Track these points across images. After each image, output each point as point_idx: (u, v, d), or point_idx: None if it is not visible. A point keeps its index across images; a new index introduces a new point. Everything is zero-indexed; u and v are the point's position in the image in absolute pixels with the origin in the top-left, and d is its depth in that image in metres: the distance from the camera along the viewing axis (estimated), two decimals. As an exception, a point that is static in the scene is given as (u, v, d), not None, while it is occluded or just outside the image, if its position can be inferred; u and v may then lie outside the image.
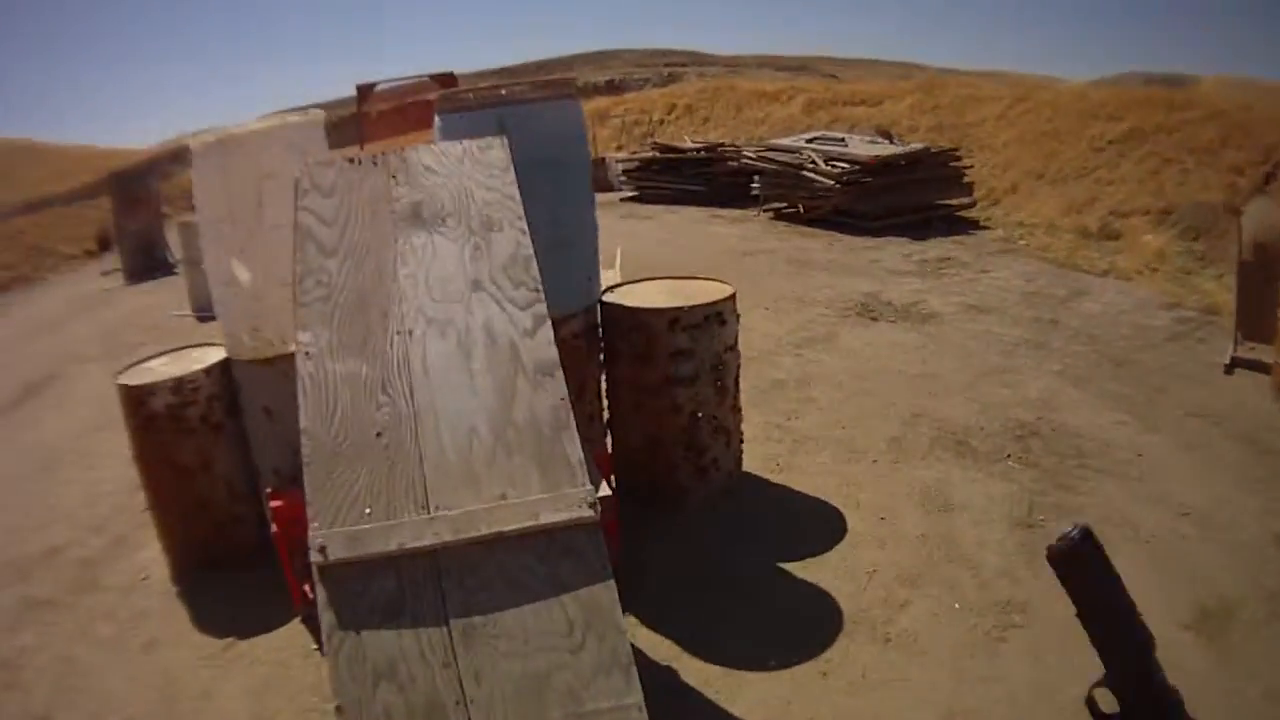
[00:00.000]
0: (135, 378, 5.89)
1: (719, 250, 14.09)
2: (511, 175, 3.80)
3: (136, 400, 5.73)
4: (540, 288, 3.44)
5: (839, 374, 8.38)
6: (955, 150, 15.88)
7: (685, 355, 5.82)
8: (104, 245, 21.56)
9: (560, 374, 3.21)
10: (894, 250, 13.45)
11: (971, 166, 15.85)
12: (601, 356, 6.19)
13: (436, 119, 5.55)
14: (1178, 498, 5.90)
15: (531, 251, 3.53)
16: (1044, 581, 4.70)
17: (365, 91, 12.21)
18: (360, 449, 3.01)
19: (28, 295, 19.43)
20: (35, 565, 6.60)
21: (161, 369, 6.03)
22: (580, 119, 6.05)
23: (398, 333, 3.29)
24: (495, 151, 3.88)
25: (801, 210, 15.89)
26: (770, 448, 6.97)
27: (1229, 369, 8.04)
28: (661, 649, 4.85)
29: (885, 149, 15.28)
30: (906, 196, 14.95)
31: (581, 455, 3.04)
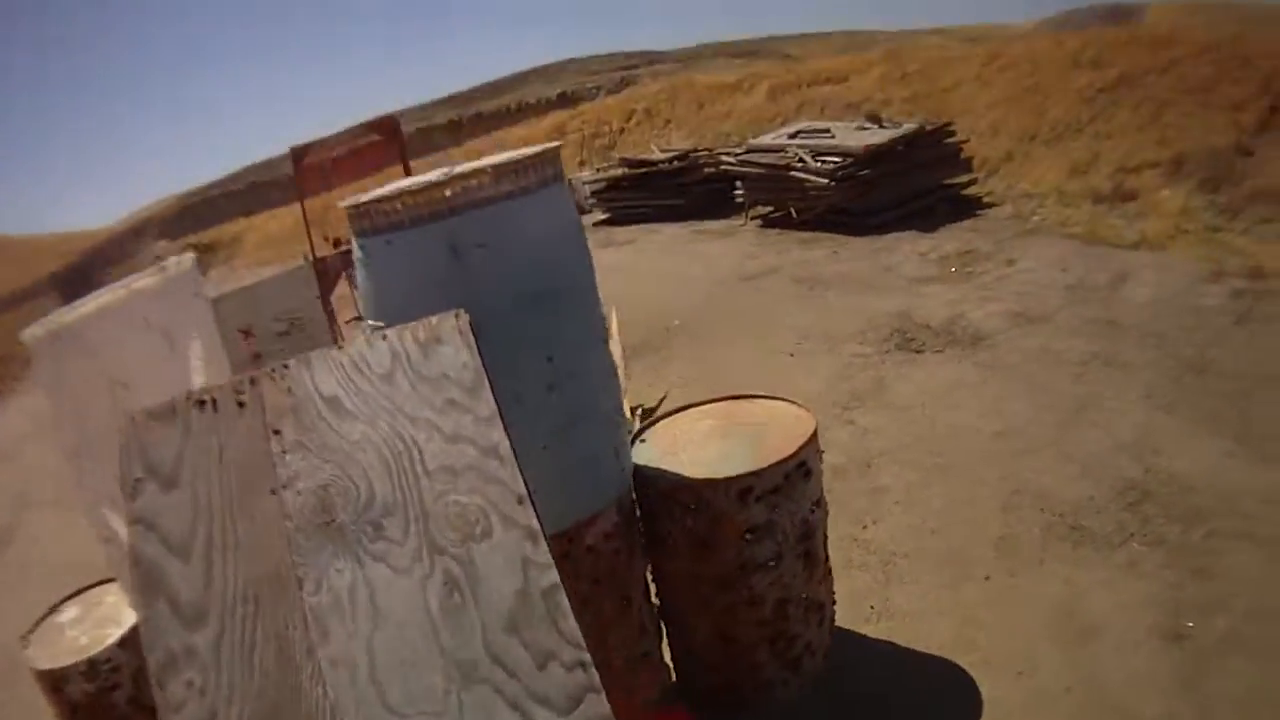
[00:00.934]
0: (45, 652, 4.51)
1: (716, 279, 12.82)
2: (486, 397, 2.19)
3: (52, 687, 4.38)
4: (585, 652, 1.92)
5: (905, 444, 7.02)
6: (950, 124, 14.65)
7: (763, 532, 4.22)
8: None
9: None
10: (907, 248, 12.22)
11: (968, 140, 14.69)
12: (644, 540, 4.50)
13: (354, 246, 3.66)
14: (1329, 559, 4.80)
15: (556, 574, 1.99)
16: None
17: (301, 153, 11.23)
18: None
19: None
20: None
21: (71, 634, 4.65)
22: (572, 213, 3.95)
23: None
24: (449, 351, 2.24)
25: (794, 214, 14.73)
26: (856, 579, 5.60)
27: (1316, 355, 7.17)
28: None
29: (877, 135, 13.99)
30: (907, 184, 13.80)
31: None
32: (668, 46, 58.13)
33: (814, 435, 4.39)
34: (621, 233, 17.56)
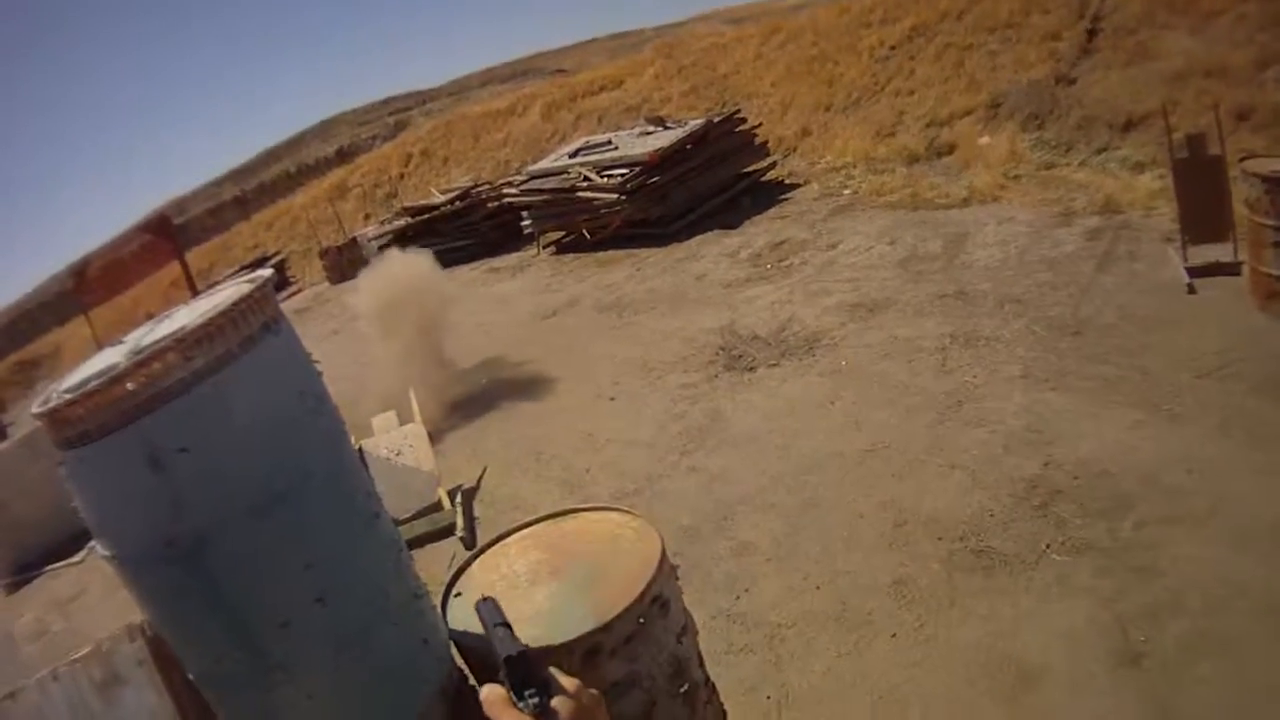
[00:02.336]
0: None
1: (516, 321, 12.20)
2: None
3: None
4: None
5: (762, 486, 6.21)
6: (737, 111, 14.30)
7: (625, 686, 3.30)
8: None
9: None
10: (714, 252, 11.71)
11: (760, 124, 14.28)
12: None
13: (61, 468, 2.71)
14: (1267, 520, 4.49)
15: None
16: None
17: (82, 267, 11.51)
18: None
19: None
20: None
21: None
22: (299, 368, 2.90)
23: None
24: (133, 696, 2.08)
25: (587, 235, 14.26)
26: (742, 665, 4.76)
27: (1191, 288, 6.93)
28: None
29: (662, 137, 13.56)
30: (703, 182, 13.41)
31: None
32: (436, 82, 58.48)
33: (663, 557, 3.54)
34: (414, 286, 16.82)
